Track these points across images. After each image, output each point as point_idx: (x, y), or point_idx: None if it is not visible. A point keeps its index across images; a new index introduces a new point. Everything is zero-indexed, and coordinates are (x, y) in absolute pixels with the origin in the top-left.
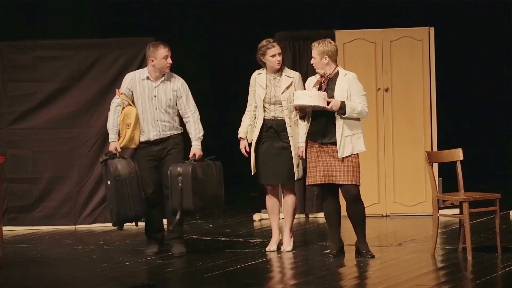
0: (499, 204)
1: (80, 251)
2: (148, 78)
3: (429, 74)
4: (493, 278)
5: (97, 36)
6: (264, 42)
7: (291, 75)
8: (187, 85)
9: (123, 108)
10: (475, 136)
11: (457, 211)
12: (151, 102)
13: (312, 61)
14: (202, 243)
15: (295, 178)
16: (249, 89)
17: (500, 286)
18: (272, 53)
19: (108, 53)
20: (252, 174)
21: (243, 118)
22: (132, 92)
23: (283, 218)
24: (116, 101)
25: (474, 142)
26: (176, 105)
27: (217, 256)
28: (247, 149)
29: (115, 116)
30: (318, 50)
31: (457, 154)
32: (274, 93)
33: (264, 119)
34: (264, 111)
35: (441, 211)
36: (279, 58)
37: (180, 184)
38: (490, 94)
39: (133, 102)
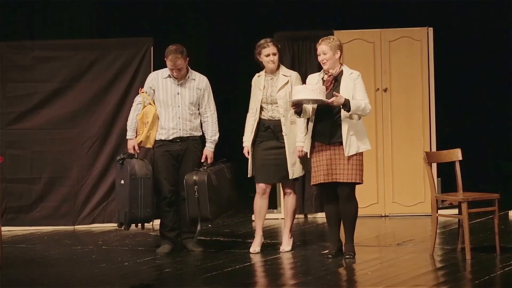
0: (498, 204)
1: (79, 251)
2: (169, 76)
3: (428, 74)
4: (492, 278)
5: (96, 36)
6: (261, 41)
7: (288, 74)
8: (209, 85)
9: (144, 106)
10: (474, 136)
11: (456, 211)
12: (174, 99)
13: (322, 57)
14: (201, 243)
15: (289, 177)
16: (251, 93)
17: (499, 286)
18: (266, 53)
19: (107, 53)
20: (249, 176)
21: (246, 124)
22: (154, 90)
23: (283, 218)
24: (138, 99)
25: (473, 142)
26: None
27: (216, 256)
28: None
29: (135, 114)
30: (331, 45)
31: (456, 154)
32: (270, 92)
33: (261, 119)
34: (262, 111)
35: (440, 211)
36: (272, 58)
37: (196, 194)
38: (489, 94)
39: (154, 101)
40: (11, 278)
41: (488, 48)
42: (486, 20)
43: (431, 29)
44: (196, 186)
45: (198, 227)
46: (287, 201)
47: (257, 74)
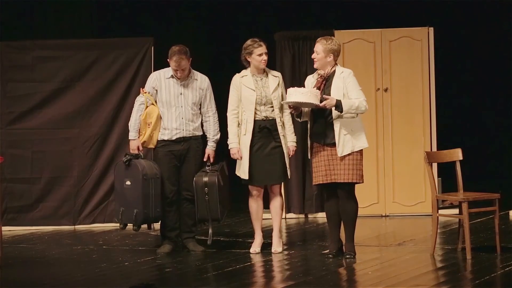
0: (498, 204)
1: (80, 251)
2: (172, 76)
3: (428, 74)
4: (492, 278)
5: (96, 36)
6: (249, 42)
7: (277, 75)
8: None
9: (146, 107)
10: (475, 136)
11: (456, 211)
12: (176, 99)
13: (314, 56)
14: (202, 243)
15: (288, 178)
16: (232, 92)
17: (499, 286)
18: (259, 52)
19: (107, 53)
20: (247, 179)
21: (229, 125)
22: (156, 90)
23: (270, 218)
24: (140, 99)
25: (473, 142)
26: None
27: (217, 256)
28: (241, 154)
29: (138, 115)
30: (325, 48)
31: (457, 154)
32: (264, 93)
33: (255, 120)
34: (255, 112)
35: (441, 211)
36: (265, 57)
37: (207, 196)
38: (489, 93)
39: (156, 101)
40: (11, 278)
41: (488, 48)
42: (486, 20)
43: (431, 29)
44: (206, 188)
45: (210, 230)
46: (275, 202)
47: (239, 75)
